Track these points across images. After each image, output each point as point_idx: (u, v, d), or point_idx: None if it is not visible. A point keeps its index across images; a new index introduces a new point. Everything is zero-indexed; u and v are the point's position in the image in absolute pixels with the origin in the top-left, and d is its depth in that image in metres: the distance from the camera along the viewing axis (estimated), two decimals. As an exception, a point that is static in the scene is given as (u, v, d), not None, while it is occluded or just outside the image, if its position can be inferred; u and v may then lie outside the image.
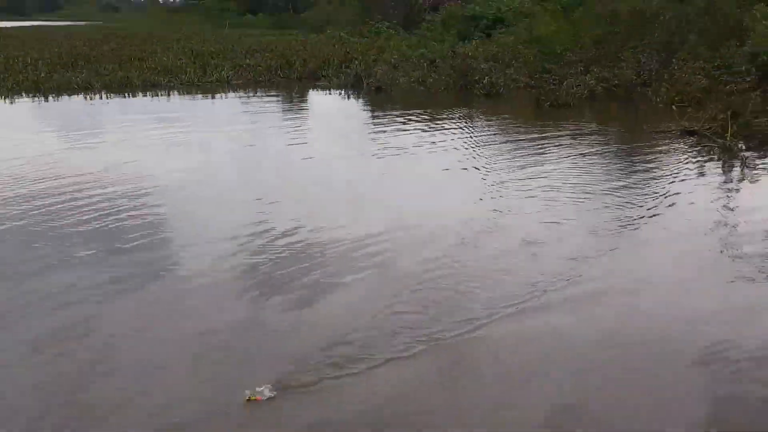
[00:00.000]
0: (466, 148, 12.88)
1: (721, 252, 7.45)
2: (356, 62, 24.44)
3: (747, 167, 11.00)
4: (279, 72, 24.94)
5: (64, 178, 10.58)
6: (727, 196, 9.59)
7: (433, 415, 4.53)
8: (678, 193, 9.60)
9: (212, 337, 5.62)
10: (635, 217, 8.61)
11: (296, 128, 16.15)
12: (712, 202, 9.24)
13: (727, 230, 8.16)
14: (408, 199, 9.79)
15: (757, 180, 10.39)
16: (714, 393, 4.79)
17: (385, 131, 15.29)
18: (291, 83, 23.95)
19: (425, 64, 22.65)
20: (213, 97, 20.85)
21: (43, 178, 10.57)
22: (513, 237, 7.91)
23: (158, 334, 5.71)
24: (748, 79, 16.66)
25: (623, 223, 8.37)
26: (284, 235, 8.02)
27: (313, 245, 7.72)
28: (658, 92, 17.35)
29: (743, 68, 17.69)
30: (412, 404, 4.65)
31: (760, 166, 11.10)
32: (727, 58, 18.73)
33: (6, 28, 55.64)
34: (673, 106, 15.72)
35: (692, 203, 9.21)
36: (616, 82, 19.14)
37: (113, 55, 27.73)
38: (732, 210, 8.93)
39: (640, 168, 11.19)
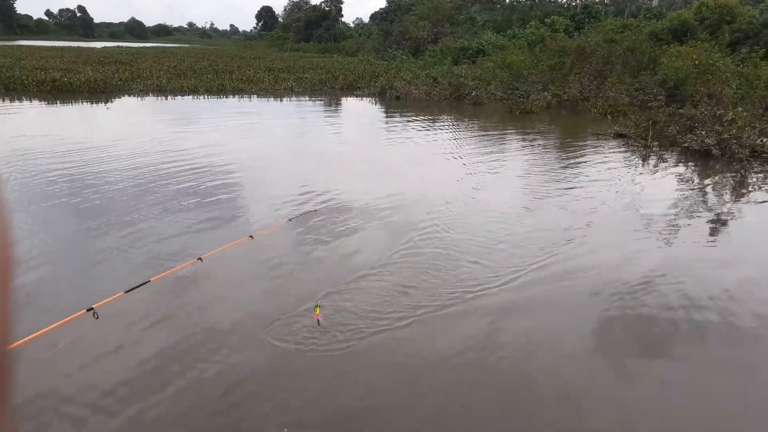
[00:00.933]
0: (455, 140, 12.76)
1: (627, 215, 7.38)
2: (381, 78, 24.19)
3: (660, 160, 10.90)
4: (327, 83, 24.69)
5: (171, 151, 10.66)
6: (641, 179, 9.49)
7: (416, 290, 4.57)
8: (607, 175, 9.54)
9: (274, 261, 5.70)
10: (567, 188, 8.63)
11: (335, 122, 16.11)
12: (630, 182, 9.19)
13: (633, 201, 8.06)
14: (409, 173, 9.78)
15: (664, 169, 10.28)
16: (605, 313, 4.78)
17: (398, 126, 15.17)
18: (335, 91, 23.72)
19: (430, 81, 22.37)
20: (281, 100, 20.67)
21: (156, 151, 10.62)
22: (479, 201, 7.94)
23: (239, 262, 5.70)
24: (659, 98, 16.47)
25: (559, 193, 8.35)
26: (323, 193, 8.02)
27: (343, 201, 7.80)
28: (595, 105, 17.13)
29: (654, 90, 17.52)
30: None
31: (668, 159, 11.00)
32: (644, 83, 18.53)
33: (132, 47, 55.05)
34: (609, 116, 15.54)
35: (616, 183, 9.13)
36: (566, 97, 18.92)
37: (210, 68, 27.45)
38: (642, 188, 8.84)
39: (580, 157, 11.06)
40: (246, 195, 8.11)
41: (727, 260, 6.00)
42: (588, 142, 12.67)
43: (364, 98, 21.96)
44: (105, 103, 18.06)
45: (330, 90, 24.01)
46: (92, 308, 3.65)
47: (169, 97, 19.88)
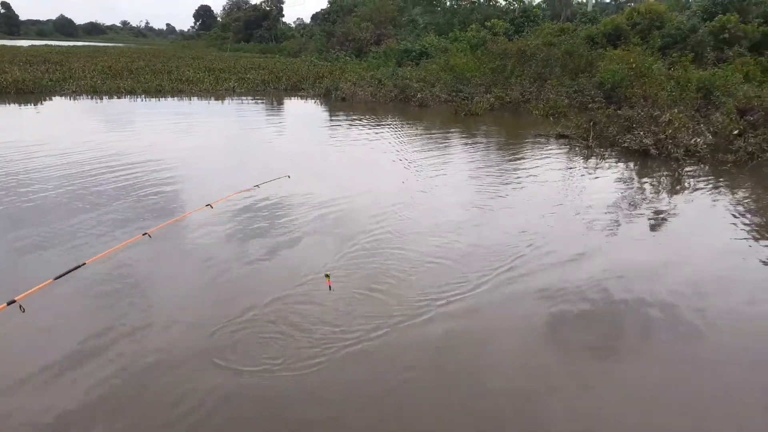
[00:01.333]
0: (402, 141, 12.76)
1: (572, 215, 7.52)
2: (326, 79, 23.95)
3: (601, 160, 11.22)
4: (270, 84, 24.26)
5: (103, 150, 10.52)
6: (584, 178, 9.73)
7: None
8: (552, 176, 9.75)
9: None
10: (514, 188, 8.76)
11: (278, 123, 15.89)
12: (574, 181, 9.44)
13: (578, 200, 8.26)
14: (356, 175, 9.76)
15: (605, 168, 10.55)
16: (554, 313, 4.88)
17: (341, 127, 15.08)
18: (279, 92, 23.34)
19: (375, 83, 22.30)
20: (223, 101, 20.14)
21: (88, 150, 10.48)
22: (421, 198, 8.02)
23: (169, 264, 5.55)
24: (597, 100, 17.03)
25: (505, 193, 8.48)
26: (263, 195, 7.77)
27: (281, 200, 7.75)
28: (537, 107, 17.51)
29: (592, 92, 18.11)
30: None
31: (609, 159, 11.32)
32: (582, 85, 19.12)
33: (62, 46, 52.59)
34: (550, 117, 15.92)
35: (560, 183, 9.35)
36: (508, 99, 19.25)
37: (147, 69, 26.45)
38: (585, 187, 9.08)
39: (525, 158, 11.27)
40: (179, 197, 7.90)
41: (666, 258, 6.20)
42: (532, 143, 12.92)
43: (309, 99, 21.69)
44: (34, 104, 17.11)
45: (273, 91, 23.60)
46: (14, 300, 3.40)
47: (104, 99, 19.03)
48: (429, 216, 7.26)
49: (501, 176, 9.63)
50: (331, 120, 16.84)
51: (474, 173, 9.89)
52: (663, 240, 6.82)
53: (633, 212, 7.73)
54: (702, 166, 10.68)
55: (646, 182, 9.66)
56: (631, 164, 10.90)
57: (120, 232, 6.27)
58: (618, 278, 5.48)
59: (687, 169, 10.48)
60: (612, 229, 6.97)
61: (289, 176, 7.96)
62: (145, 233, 4.91)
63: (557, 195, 8.51)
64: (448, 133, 14.48)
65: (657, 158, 11.12)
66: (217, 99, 20.41)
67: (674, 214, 7.82)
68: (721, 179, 9.78)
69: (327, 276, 4.78)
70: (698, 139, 10.92)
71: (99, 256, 4.56)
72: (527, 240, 6.42)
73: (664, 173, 10.22)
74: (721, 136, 11.80)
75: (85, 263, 4.14)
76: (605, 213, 7.60)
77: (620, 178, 9.80)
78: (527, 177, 9.61)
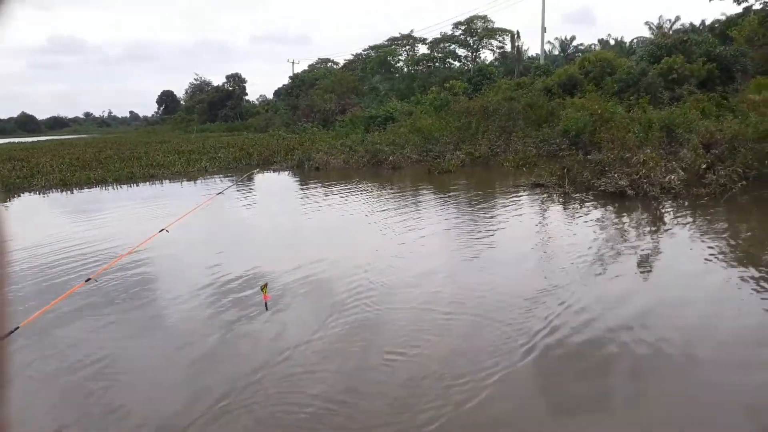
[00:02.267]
0: (376, 204, 12.83)
1: (558, 263, 7.45)
2: (297, 151, 24.15)
3: (579, 205, 11.34)
4: (242, 161, 24.32)
5: (73, 241, 10.42)
6: (564, 224, 9.83)
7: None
8: (532, 225, 9.87)
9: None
10: (491, 242, 8.73)
11: (251, 197, 15.83)
12: (551, 224, 9.52)
13: (561, 246, 8.28)
14: (328, 241, 9.71)
15: (584, 213, 10.64)
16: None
17: (317, 195, 15.09)
18: (252, 167, 23.36)
19: (347, 150, 22.54)
20: (195, 181, 20.00)
21: (56, 242, 10.29)
22: (396, 258, 7.84)
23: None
24: (563, 147, 17.50)
25: (486, 245, 8.44)
26: (239, 273, 7.67)
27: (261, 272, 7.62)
28: (507, 159, 17.87)
29: (558, 140, 18.64)
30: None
31: (587, 203, 11.45)
32: (546, 135, 19.69)
33: (26, 142, 52.28)
34: (524, 168, 16.22)
35: (538, 225, 9.45)
36: (478, 154, 19.61)
37: (116, 157, 26.30)
38: (567, 232, 9.13)
39: (504, 210, 11.33)
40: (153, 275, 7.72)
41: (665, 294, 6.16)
42: (509, 195, 13.05)
43: (283, 172, 21.75)
44: (3, 202, 16.74)
45: (246, 167, 23.63)
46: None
47: (75, 191, 18.74)
48: (409, 285, 7.14)
49: (483, 232, 9.60)
50: (306, 190, 16.83)
51: (456, 230, 9.86)
52: (659, 278, 6.81)
53: (618, 253, 7.76)
54: (680, 201, 10.88)
55: (627, 223, 9.77)
56: (610, 206, 11.03)
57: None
58: (607, 319, 5.39)
59: (665, 205, 10.65)
60: (602, 271, 6.95)
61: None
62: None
63: (543, 244, 8.58)
64: (425, 191, 14.58)
65: (634, 198, 11.30)
66: (189, 180, 20.29)
67: (658, 251, 7.89)
68: (699, 213, 9.96)
69: (263, 289, 4.35)
70: (672, 176, 11.17)
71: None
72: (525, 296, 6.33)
73: (643, 213, 10.37)
74: (691, 171, 12.10)
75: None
76: (593, 255, 7.62)
77: (601, 221, 9.89)
78: (510, 229, 9.66)
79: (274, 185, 19.37)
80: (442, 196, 13.76)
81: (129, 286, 7.49)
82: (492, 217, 10.76)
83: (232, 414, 4.16)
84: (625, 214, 10.38)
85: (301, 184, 18.29)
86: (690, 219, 9.67)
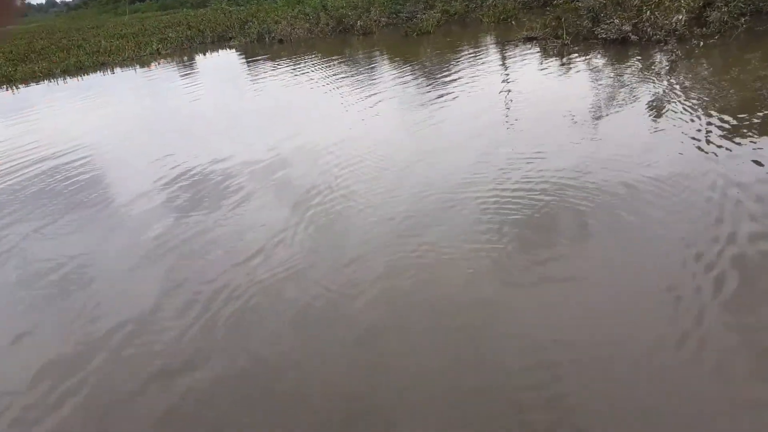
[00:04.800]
0: (348, 75, 11.88)
1: (558, 113, 7.03)
2: (253, 23, 22.05)
3: (582, 55, 10.66)
4: (195, 39, 22.19)
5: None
6: (568, 75, 9.23)
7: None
8: (537, 77, 9.19)
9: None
10: (501, 93, 8.12)
11: (194, 79, 14.43)
12: (558, 80, 8.89)
13: (565, 97, 7.77)
14: (306, 117, 8.95)
15: (588, 62, 10.02)
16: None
17: (292, 71, 13.87)
18: (207, 46, 21.41)
19: (312, 18, 20.67)
20: (148, 66, 18.22)
21: None
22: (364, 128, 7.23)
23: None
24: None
25: (492, 102, 7.85)
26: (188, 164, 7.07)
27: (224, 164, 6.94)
28: (486, 15, 16.68)
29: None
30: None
31: (589, 52, 10.75)
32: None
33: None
34: (507, 21, 15.17)
35: (546, 84, 8.85)
36: (454, 12, 18.26)
37: (53, 47, 23.58)
38: (572, 84, 8.55)
39: (502, 65, 10.62)
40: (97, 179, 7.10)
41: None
42: (502, 50, 12.20)
43: (242, 48, 19.98)
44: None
45: (201, 46, 21.62)
46: None
47: (20, 87, 16.80)
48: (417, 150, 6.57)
49: (485, 88, 8.97)
50: (276, 65, 15.48)
51: (454, 92, 9.16)
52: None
53: (625, 103, 7.29)
54: (689, 43, 10.28)
55: (638, 69, 9.22)
56: (615, 54, 10.39)
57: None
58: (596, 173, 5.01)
59: (671, 50, 10.09)
60: (598, 124, 6.50)
61: None
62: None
63: (548, 96, 8.02)
64: (411, 56, 13.52)
65: (638, 44, 10.68)
66: (143, 65, 18.47)
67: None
68: (712, 54, 9.47)
69: None
70: (679, 17, 10.49)
71: None
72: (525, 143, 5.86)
73: (659, 57, 9.81)
74: (691, 10, 11.40)
75: None
76: (594, 108, 7.14)
77: (610, 69, 9.30)
78: (512, 84, 8.99)
79: (231, 66, 17.76)
80: (432, 57, 12.79)
81: (81, 181, 7.10)
82: (488, 71, 10.03)
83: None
84: (638, 59, 9.80)
85: (263, 61, 16.80)
86: (703, 60, 9.20)
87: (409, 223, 4.76)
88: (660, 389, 2.76)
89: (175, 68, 17.50)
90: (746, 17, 10.71)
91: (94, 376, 3.43)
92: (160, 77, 15.96)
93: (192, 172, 7.00)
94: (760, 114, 6.20)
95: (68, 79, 17.12)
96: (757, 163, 5.02)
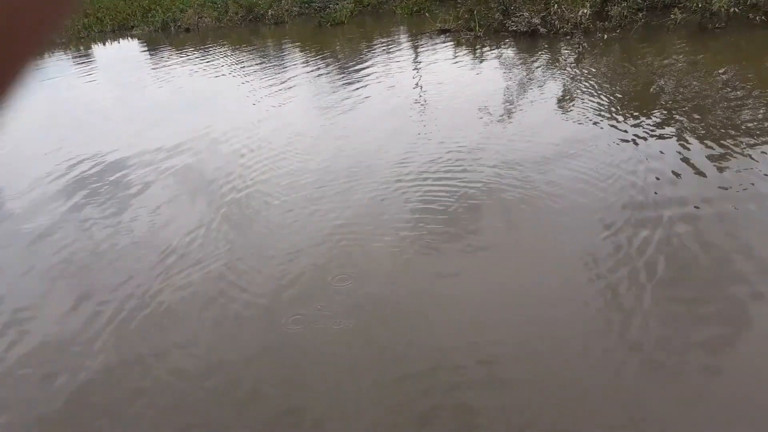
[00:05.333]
0: (258, 65, 11.48)
1: (471, 105, 7.11)
2: (157, 11, 20.80)
3: (494, 47, 10.78)
4: (93, 28, 20.65)
5: None
6: (480, 67, 9.33)
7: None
8: (453, 70, 9.22)
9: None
10: (413, 87, 8.08)
11: (112, 72, 13.48)
12: (473, 71, 8.96)
13: (477, 90, 7.85)
14: (214, 108, 8.70)
15: (499, 55, 10.16)
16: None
17: (183, 61, 13.18)
18: (106, 35, 19.99)
19: (219, 6, 19.73)
20: (40, 58, 16.72)
21: None
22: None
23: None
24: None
25: (404, 96, 7.79)
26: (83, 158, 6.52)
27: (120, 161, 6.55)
28: (399, 6, 16.56)
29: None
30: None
31: (501, 45, 10.89)
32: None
33: None
34: (420, 13, 15.11)
35: (460, 76, 8.86)
36: (368, 3, 18.00)
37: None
38: (483, 75, 8.64)
39: (405, 56, 10.60)
40: None
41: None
42: (415, 43, 12.14)
43: (145, 36, 18.80)
44: None
45: (99, 35, 20.15)
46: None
47: None
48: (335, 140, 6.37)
49: (396, 80, 8.87)
50: (181, 56, 14.63)
51: (366, 83, 8.99)
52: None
53: (532, 94, 7.42)
54: (594, 36, 10.60)
55: (544, 60, 9.40)
56: (525, 46, 10.56)
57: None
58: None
59: (580, 41, 10.38)
60: (510, 112, 6.59)
61: None
62: None
63: (462, 88, 8.02)
64: (322, 46, 13.17)
65: (547, 36, 10.91)
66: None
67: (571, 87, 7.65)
68: (612, 47, 9.82)
69: None
70: (584, 11, 10.80)
71: None
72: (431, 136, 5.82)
73: (564, 49, 10.04)
74: (594, 4, 11.79)
75: None
76: (504, 99, 7.21)
77: (519, 61, 9.44)
78: (427, 76, 8.98)
79: (133, 56, 16.66)
80: (344, 48, 12.53)
81: None
82: (403, 63, 9.93)
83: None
84: (544, 51, 9.99)
85: (169, 51, 15.86)
86: (603, 52, 9.51)
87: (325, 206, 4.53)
88: (582, 365, 2.70)
89: (70, 59, 16.19)
90: (643, 12, 11.22)
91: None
92: (52, 68, 14.67)
93: (88, 167, 6.41)
94: (658, 101, 6.43)
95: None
96: (655, 138, 5.21)
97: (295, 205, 4.84)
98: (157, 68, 13.02)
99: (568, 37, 10.63)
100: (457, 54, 10.62)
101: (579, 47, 9.85)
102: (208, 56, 13.35)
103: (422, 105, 7.55)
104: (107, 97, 10.77)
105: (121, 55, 16.50)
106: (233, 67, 11.73)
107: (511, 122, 6.43)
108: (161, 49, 15.89)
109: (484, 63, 9.71)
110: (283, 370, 3.01)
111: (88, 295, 3.89)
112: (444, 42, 11.78)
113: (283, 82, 9.68)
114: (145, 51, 16.37)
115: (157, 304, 3.67)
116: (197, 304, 3.63)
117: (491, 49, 10.63)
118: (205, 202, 5.16)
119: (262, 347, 3.17)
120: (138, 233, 4.74)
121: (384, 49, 11.82)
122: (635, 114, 6.15)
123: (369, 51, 11.87)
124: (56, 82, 12.68)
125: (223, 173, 5.76)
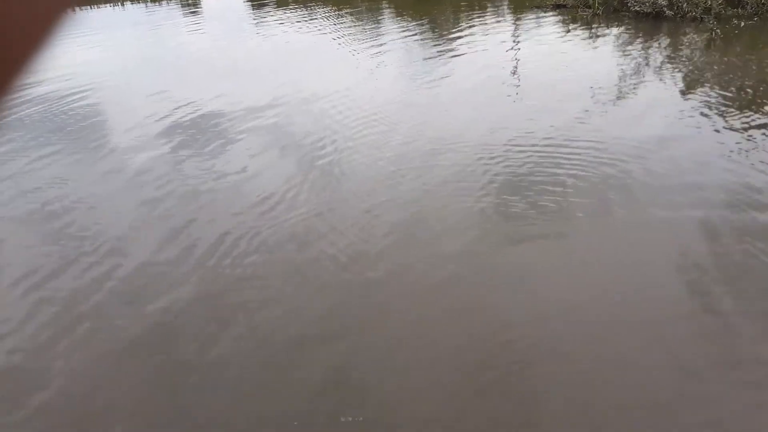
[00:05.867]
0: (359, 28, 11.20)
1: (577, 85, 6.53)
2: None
3: (613, 26, 10.10)
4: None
5: None
6: (595, 47, 8.77)
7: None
8: (560, 47, 8.79)
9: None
10: (519, 61, 7.58)
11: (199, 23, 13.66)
12: (584, 52, 8.49)
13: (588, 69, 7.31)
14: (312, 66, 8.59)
15: (608, 34, 9.51)
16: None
17: (287, 19, 13.10)
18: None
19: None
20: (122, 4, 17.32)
21: None
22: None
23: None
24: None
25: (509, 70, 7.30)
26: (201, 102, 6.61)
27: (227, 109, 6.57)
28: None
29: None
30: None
31: (621, 25, 10.18)
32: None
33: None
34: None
35: (568, 54, 8.46)
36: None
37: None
38: (597, 57, 8.08)
39: (528, 32, 10.15)
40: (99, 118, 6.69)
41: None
42: (529, 16, 11.57)
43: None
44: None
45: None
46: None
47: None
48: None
49: (507, 53, 8.47)
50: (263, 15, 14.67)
51: (484, 54, 8.61)
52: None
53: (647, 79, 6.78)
54: (727, 23, 9.61)
55: (672, 46, 8.65)
56: (648, 28, 9.79)
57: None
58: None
59: (708, 28, 9.45)
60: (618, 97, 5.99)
61: None
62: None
63: (568, 66, 7.64)
64: (429, 15, 12.79)
65: (673, 19, 10.03)
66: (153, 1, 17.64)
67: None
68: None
69: None
70: (716, -6, 9.82)
71: None
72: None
73: (692, 35, 9.20)
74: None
75: None
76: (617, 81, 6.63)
77: (641, 44, 8.79)
78: (533, 51, 8.73)
79: (238, 7, 16.86)
80: (457, 19, 12.10)
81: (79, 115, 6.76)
82: (512, 38, 9.46)
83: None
84: (670, 35, 9.20)
85: (271, 7, 15.94)
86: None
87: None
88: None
89: (179, 7, 16.68)
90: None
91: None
92: (162, 14, 15.17)
93: (190, 112, 6.51)
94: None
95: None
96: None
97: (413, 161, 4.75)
98: (259, 23, 13.09)
99: (697, 22, 9.72)
100: (572, 31, 10.03)
101: (711, 33, 8.93)
102: (312, 14, 13.29)
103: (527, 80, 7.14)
104: (211, 47, 10.93)
105: (228, 4, 16.75)
106: (334, 28, 11.61)
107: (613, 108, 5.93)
108: (266, 3, 16.03)
109: (600, 43, 9.08)
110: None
111: (186, 228, 3.94)
112: (560, 17, 11.14)
113: (379, 47, 9.45)
114: (248, 3, 16.56)
115: (259, 242, 3.67)
116: (293, 245, 3.61)
117: (609, 29, 9.92)
118: (300, 158, 5.08)
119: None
120: (236, 177, 4.74)
121: (497, 23, 11.35)
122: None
123: (472, 23, 11.42)
124: (165, 29, 13.04)
125: (319, 127, 5.71)
